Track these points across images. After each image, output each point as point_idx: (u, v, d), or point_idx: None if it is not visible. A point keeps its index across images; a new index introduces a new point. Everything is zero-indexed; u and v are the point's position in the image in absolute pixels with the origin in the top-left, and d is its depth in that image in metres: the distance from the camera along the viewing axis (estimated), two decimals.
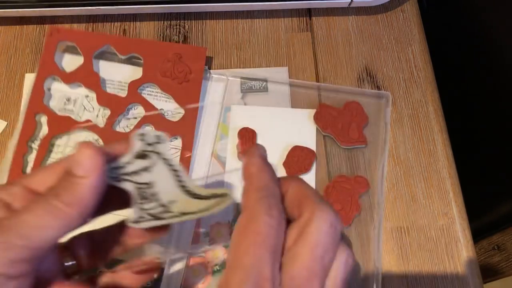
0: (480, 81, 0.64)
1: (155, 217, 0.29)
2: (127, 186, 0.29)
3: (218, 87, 0.52)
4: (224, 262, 0.45)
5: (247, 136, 0.49)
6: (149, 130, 0.29)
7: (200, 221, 0.47)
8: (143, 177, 0.29)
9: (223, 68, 0.54)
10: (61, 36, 0.51)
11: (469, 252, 0.47)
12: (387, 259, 0.47)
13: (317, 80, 0.53)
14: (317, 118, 0.50)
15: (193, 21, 0.56)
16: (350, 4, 0.54)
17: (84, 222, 0.28)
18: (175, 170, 0.30)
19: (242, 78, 0.52)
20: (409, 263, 0.47)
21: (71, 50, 0.52)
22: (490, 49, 0.60)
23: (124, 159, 0.29)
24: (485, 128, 0.66)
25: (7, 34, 0.55)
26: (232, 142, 0.50)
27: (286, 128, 0.50)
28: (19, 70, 0.53)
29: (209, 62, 0.54)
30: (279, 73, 0.53)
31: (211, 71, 0.53)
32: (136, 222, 0.29)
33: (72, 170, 0.26)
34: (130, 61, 0.53)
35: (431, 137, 0.51)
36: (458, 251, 0.47)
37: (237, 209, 0.47)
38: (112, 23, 0.56)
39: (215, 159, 0.49)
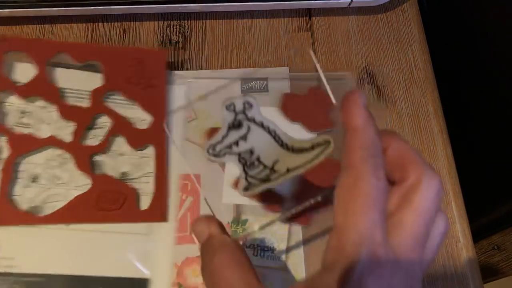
0: (480, 81, 0.64)
1: (264, 180, 0.29)
2: (229, 159, 0.29)
3: (180, 90, 0.51)
4: None
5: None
6: (235, 97, 0.29)
7: None
8: (242, 146, 0.29)
9: (223, 68, 0.54)
10: (8, 45, 0.48)
11: (469, 252, 0.47)
12: None
13: (317, 80, 0.53)
14: (284, 109, 0.49)
15: (193, 21, 0.56)
16: (350, 4, 0.54)
17: None
18: (271, 131, 0.29)
19: (243, 78, 0.52)
20: None
21: (23, 59, 0.49)
22: (490, 49, 0.60)
23: (219, 134, 0.29)
24: (485, 128, 0.66)
25: (7, 34, 0.55)
26: None
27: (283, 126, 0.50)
28: None
29: (180, 64, 0.54)
30: (280, 73, 0.53)
31: (176, 72, 0.52)
32: (247, 189, 0.29)
33: None
34: (88, 67, 0.50)
35: (431, 137, 0.51)
36: (458, 251, 0.47)
37: (236, 210, 0.47)
38: (112, 23, 0.56)
39: None
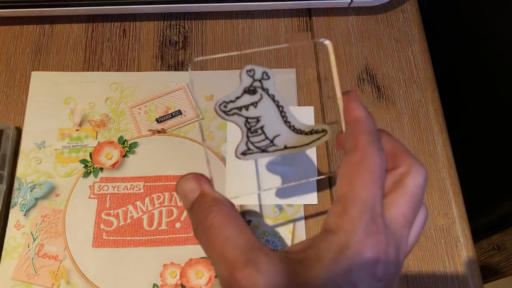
0: (480, 81, 0.64)
1: (261, 150, 0.31)
2: (237, 119, 0.30)
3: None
4: None
5: None
6: (257, 66, 0.30)
7: None
8: (251, 112, 0.30)
9: (223, 68, 0.54)
10: None
11: (469, 252, 0.47)
12: None
13: (319, 80, 0.53)
14: None
15: (193, 21, 0.56)
16: (350, 4, 0.54)
17: None
18: (280, 106, 0.31)
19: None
20: (409, 263, 0.47)
21: None
22: (490, 49, 0.60)
23: (234, 94, 0.30)
24: (485, 128, 0.66)
25: (7, 34, 0.55)
26: (232, 141, 0.50)
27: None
28: (19, 70, 0.53)
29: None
30: (287, 74, 0.53)
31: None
32: (244, 154, 0.31)
33: None
34: None
35: (431, 137, 0.52)
36: (458, 251, 0.47)
37: (239, 210, 0.47)
38: (112, 23, 0.56)
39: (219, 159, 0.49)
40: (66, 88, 0.52)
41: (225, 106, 0.30)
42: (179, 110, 0.51)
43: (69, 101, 0.52)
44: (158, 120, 0.51)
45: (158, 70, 0.53)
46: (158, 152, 0.50)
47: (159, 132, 0.50)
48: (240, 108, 0.30)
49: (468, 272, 0.46)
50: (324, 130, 0.32)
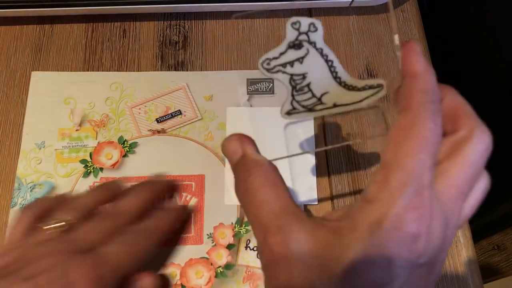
0: (480, 81, 0.64)
1: (308, 109, 0.29)
2: (281, 76, 0.28)
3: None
4: (228, 265, 0.45)
5: None
6: (303, 18, 0.28)
7: (203, 222, 0.47)
8: (297, 68, 0.28)
9: (223, 69, 0.54)
10: None
11: (469, 252, 0.47)
12: None
13: None
14: None
15: (193, 21, 0.56)
16: (350, 4, 0.54)
17: None
18: (329, 61, 0.29)
19: (249, 79, 0.52)
20: None
21: None
22: (490, 49, 0.60)
23: (277, 50, 0.28)
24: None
25: (7, 34, 0.55)
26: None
27: (284, 126, 0.50)
28: (19, 70, 0.53)
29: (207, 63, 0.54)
30: None
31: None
32: (289, 113, 0.29)
33: None
34: None
35: None
36: (458, 251, 0.47)
37: (240, 211, 0.47)
38: (112, 23, 0.56)
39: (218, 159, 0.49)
40: (66, 88, 0.52)
41: (268, 64, 0.28)
42: (179, 110, 0.51)
43: (69, 101, 0.52)
44: (158, 120, 0.51)
45: (158, 70, 0.54)
46: (158, 152, 0.50)
47: (159, 132, 0.50)
48: (284, 65, 0.28)
49: (468, 272, 0.47)
50: (380, 85, 0.28)
